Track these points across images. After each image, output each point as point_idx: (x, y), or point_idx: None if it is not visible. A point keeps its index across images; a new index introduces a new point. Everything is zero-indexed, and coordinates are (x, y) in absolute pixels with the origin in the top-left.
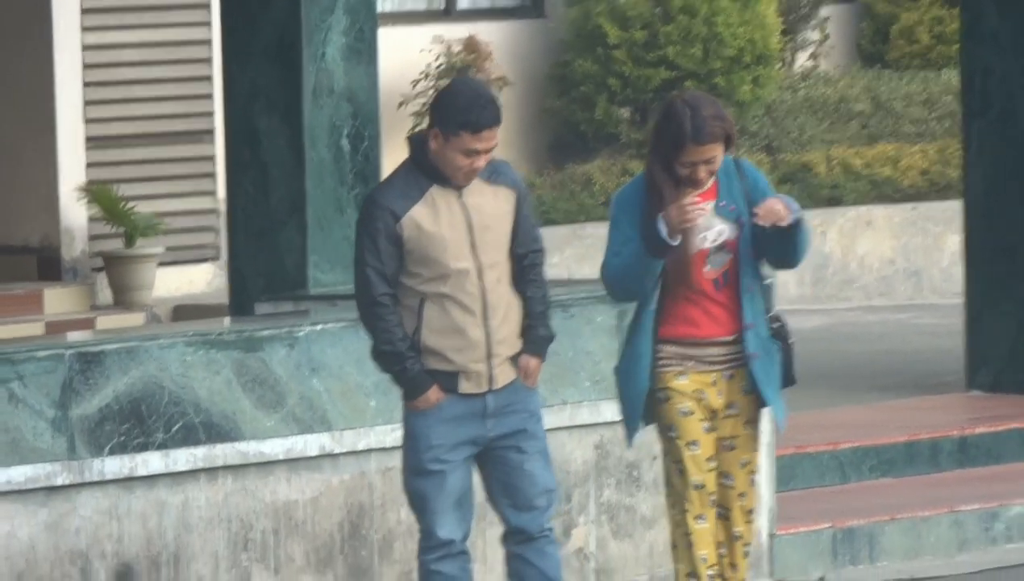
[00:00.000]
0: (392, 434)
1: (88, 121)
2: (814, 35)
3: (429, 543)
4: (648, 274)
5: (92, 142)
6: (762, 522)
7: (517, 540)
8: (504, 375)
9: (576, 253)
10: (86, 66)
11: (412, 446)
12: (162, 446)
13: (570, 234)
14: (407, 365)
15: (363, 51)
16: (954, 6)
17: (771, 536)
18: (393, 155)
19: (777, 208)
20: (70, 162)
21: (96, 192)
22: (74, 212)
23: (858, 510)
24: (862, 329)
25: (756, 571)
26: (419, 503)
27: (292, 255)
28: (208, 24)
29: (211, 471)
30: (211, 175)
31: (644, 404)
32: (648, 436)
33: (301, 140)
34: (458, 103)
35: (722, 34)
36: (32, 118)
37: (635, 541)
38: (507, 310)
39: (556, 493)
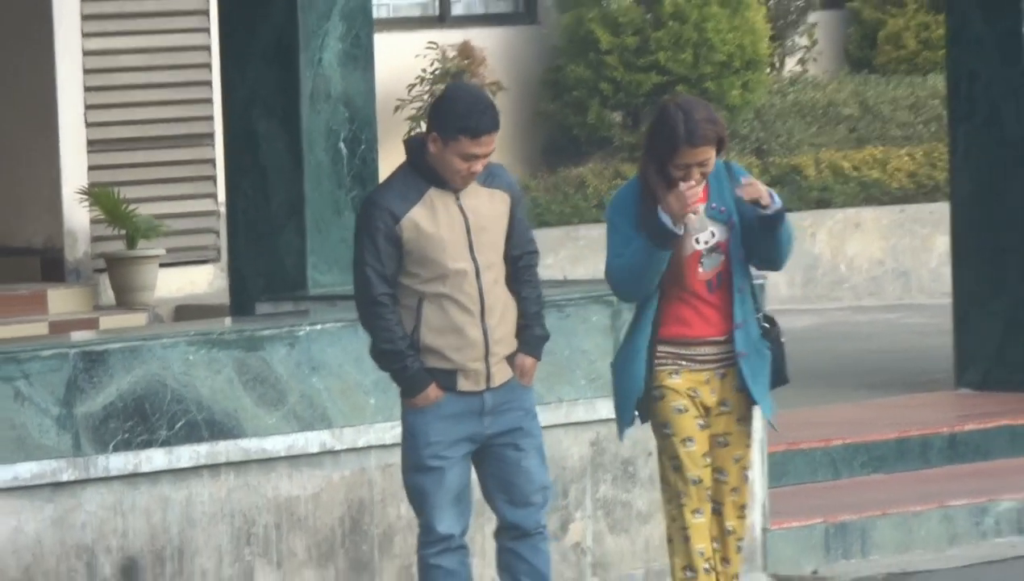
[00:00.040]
0: (391, 431)
1: (90, 125)
2: (802, 41)
3: (429, 538)
4: (656, 269)
5: (94, 145)
6: (755, 517)
7: (512, 536)
8: (501, 373)
9: (570, 254)
10: (87, 71)
11: (411, 443)
12: (165, 443)
13: (564, 236)
14: (407, 363)
15: (359, 56)
16: (940, 12)
17: (764, 531)
18: (389, 158)
19: (760, 186)
20: (72, 165)
21: (98, 195)
22: (77, 214)
23: (850, 505)
24: (852, 329)
25: (750, 565)
26: (419, 499)
27: (291, 256)
28: (207, 30)
29: (214, 467)
30: (211, 178)
31: (639, 401)
32: (643, 433)
33: (299, 144)
34: (458, 108)
35: (712, 40)
36: (35, 122)
37: (631, 536)
38: (504, 310)
39: (551, 490)
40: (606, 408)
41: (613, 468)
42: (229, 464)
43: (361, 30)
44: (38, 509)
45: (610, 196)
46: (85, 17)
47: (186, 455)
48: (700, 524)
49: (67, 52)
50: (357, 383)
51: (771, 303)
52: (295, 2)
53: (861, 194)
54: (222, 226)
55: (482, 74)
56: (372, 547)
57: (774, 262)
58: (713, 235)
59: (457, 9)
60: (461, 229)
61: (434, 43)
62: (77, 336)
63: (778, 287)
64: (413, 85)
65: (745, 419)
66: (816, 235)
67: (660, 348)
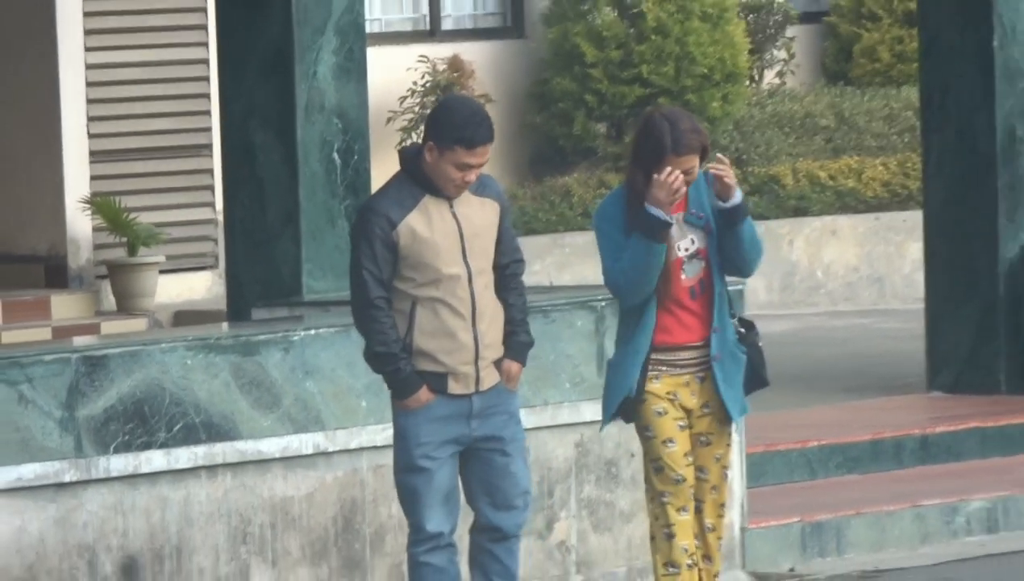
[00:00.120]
0: (383, 433)
1: (92, 136)
2: (781, 54)
3: (418, 536)
4: (655, 264)
5: (96, 156)
6: (734, 516)
7: (491, 537)
8: (489, 377)
9: (556, 261)
10: (90, 84)
11: (402, 445)
12: (164, 445)
13: (550, 243)
14: (400, 366)
15: (353, 70)
16: (914, 26)
17: (743, 530)
18: (382, 168)
19: (731, 170)
20: (75, 175)
21: (100, 204)
22: (79, 223)
23: (826, 505)
24: (828, 333)
25: (729, 563)
26: (409, 498)
27: (287, 264)
28: (206, 44)
29: (211, 468)
30: (209, 188)
31: (627, 400)
32: (625, 435)
33: (294, 155)
34: (454, 119)
35: (693, 53)
36: (39, 134)
37: (614, 534)
38: (493, 315)
39: (531, 494)
40: (590, 411)
41: (597, 469)
42: (226, 465)
43: (354, 44)
44: (41, 509)
45: (595, 205)
46: (88, 31)
47: (184, 456)
48: (684, 521)
49: (70, 65)
50: (350, 387)
51: (750, 308)
52: (291, 17)
53: (837, 203)
54: (220, 234)
55: (471, 87)
56: (364, 546)
57: (740, 266)
58: (693, 242)
59: (447, 24)
60: (455, 235)
61: (425, 57)
62: (79, 341)
63: (756, 293)
64: (404, 97)
65: (726, 420)
66: (794, 242)
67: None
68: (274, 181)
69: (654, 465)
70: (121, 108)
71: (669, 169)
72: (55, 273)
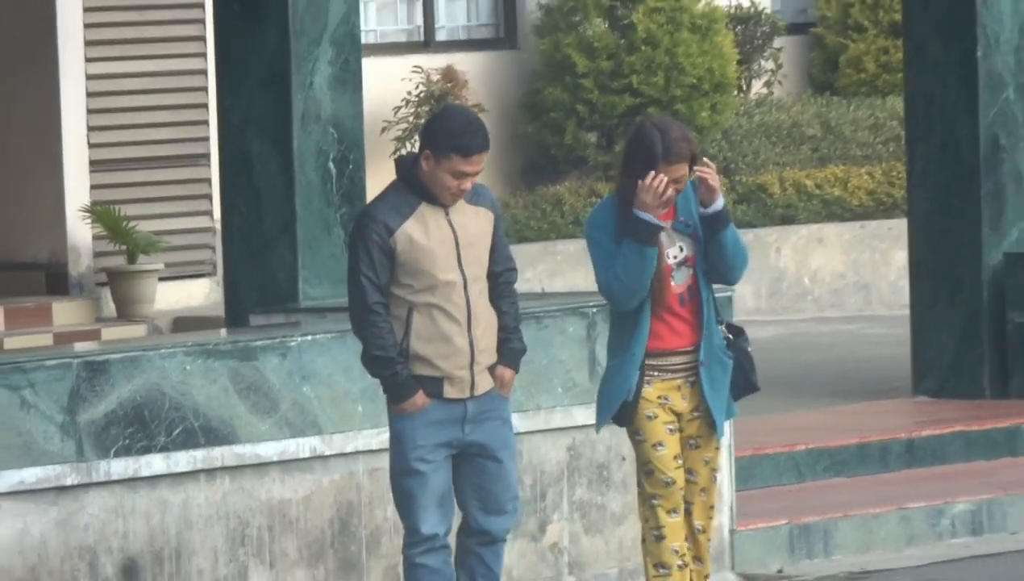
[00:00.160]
0: (378, 437)
1: (92, 146)
2: (768, 65)
3: (414, 538)
4: (648, 268)
5: (96, 165)
6: (723, 519)
7: (480, 541)
8: (483, 383)
9: (548, 268)
10: (90, 94)
11: (398, 448)
12: (164, 449)
13: (542, 251)
14: (397, 370)
15: (348, 80)
16: (899, 37)
17: (732, 532)
18: (377, 177)
19: (715, 175)
20: (76, 184)
21: (100, 212)
22: (80, 231)
23: (813, 507)
24: (815, 339)
25: (718, 565)
26: (405, 500)
27: (283, 271)
28: (204, 56)
29: (210, 472)
30: (208, 196)
31: (625, 404)
32: (616, 439)
33: (291, 164)
34: (451, 128)
35: (683, 64)
36: (40, 143)
37: (605, 537)
38: (487, 321)
39: (519, 499)
40: (582, 415)
41: (588, 472)
42: (224, 469)
43: (350, 55)
44: (43, 512)
45: (586, 213)
46: (88, 43)
47: (183, 460)
48: (675, 523)
49: (71, 76)
50: (346, 391)
51: (738, 314)
52: (287, 29)
53: (823, 211)
54: (218, 242)
55: (464, 97)
56: (360, 548)
57: (724, 274)
58: (682, 250)
59: (441, 35)
60: (450, 243)
61: (419, 67)
62: (80, 347)
63: (745, 299)
64: (399, 107)
65: (714, 424)
66: (781, 250)
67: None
68: (271, 190)
69: (644, 468)
70: (121, 118)
71: (654, 173)
72: (56, 280)
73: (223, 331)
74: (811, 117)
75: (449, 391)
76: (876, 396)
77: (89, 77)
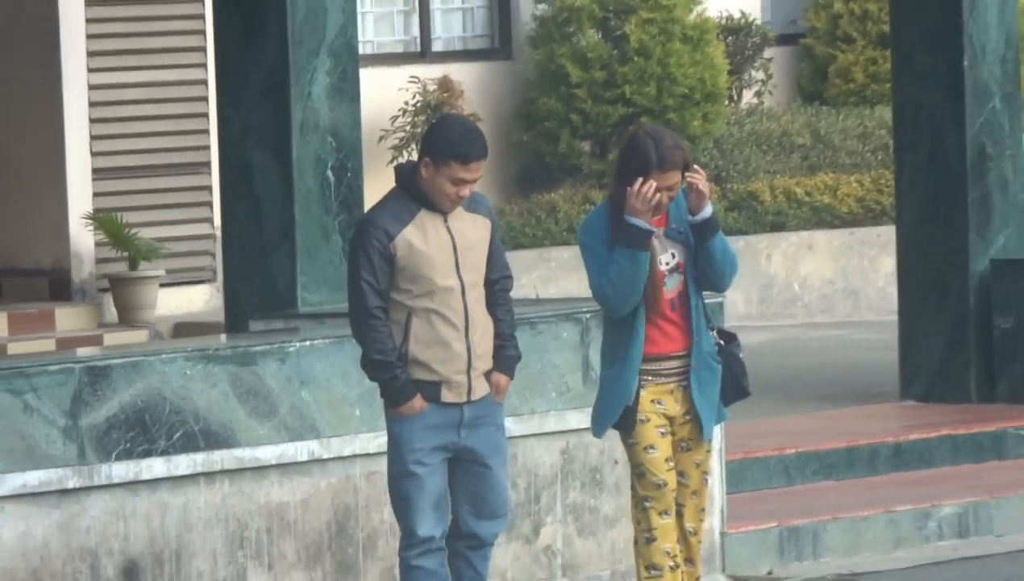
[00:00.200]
0: (375, 441)
1: (95, 154)
2: (759, 75)
3: (410, 541)
4: (641, 273)
5: (99, 173)
6: (714, 521)
7: (469, 544)
8: (480, 388)
9: (542, 275)
10: (93, 104)
11: (396, 451)
12: (164, 452)
13: (537, 257)
14: (396, 373)
15: (346, 90)
16: (887, 48)
17: (723, 534)
18: (374, 185)
19: (704, 182)
20: (78, 192)
21: (102, 219)
22: (82, 238)
23: (802, 510)
24: (805, 344)
25: (709, 566)
26: (402, 503)
27: (283, 277)
28: (204, 66)
29: (209, 475)
30: (208, 204)
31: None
32: (609, 443)
33: (290, 172)
34: (450, 136)
35: (674, 74)
36: (44, 152)
37: (598, 539)
38: (485, 327)
39: (508, 504)
40: (575, 419)
41: (582, 475)
42: (224, 472)
43: (348, 65)
44: (45, 514)
45: (579, 220)
46: (91, 53)
47: (184, 464)
48: (667, 524)
49: (74, 86)
50: (343, 396)
51: (729, 320)
52: (286, 40)
53: (813, 218)
54: (218, 249)
55: (460, 106)
56: (357, 550)
57: (714, 281)
58: (673, 257)
59: (437, 46)
60: (449, 249)
61: (416, 77)
62: (82, 352)
63: (736, 305)
64: (396, 117)
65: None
66: (771, 256)
67: None
68: (270, 198)
69: (637, 471)
70: (123, 127)
71: (641, 180)
72: (59, 286)
73: (223, 336)
74: (801, 126)
75: (447, 395)
76: (864, 400)
77: (92, 87)
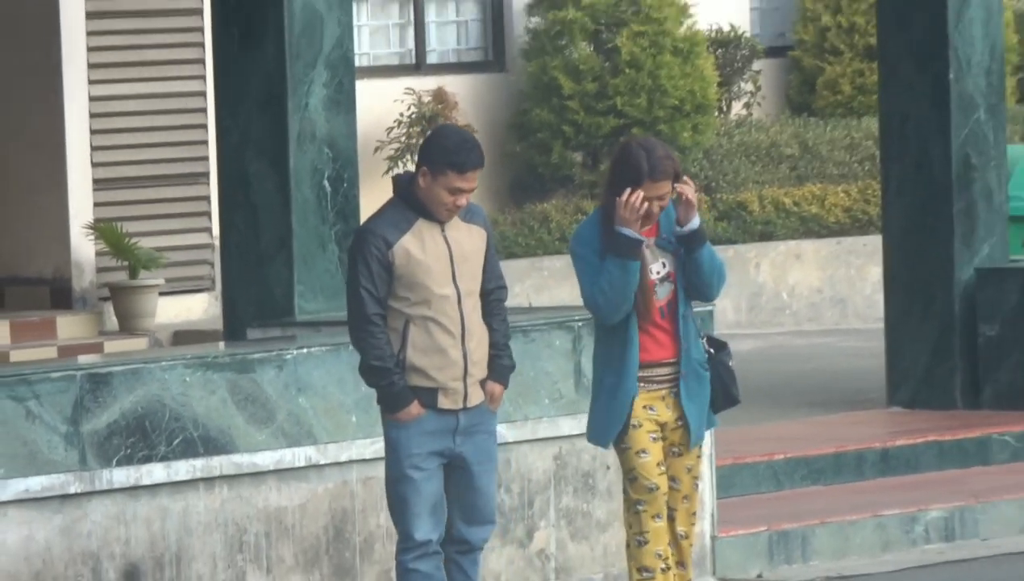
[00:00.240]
0: (372, 447)
1: (95, 165)
2: (748, 86)
3: (407, 544)
4: (631, 281)
5: (99, 184)
6: (705, 525)
7: (459, 549)
8: (475, 395)
9: (535, 283)
10: (93, 115)
11: (393, 456)
12: (164, 458)
13: (529, 266)
14: (394, 380)
15: (342, 102)
16: (874, 60)
17: (713, 538)
18: (370, 195)
19: (693, 193)
20: (79, 202)
21: (103, 229)
22: (83, 247)
23: (791, 515)
24: (793, 351)
25: (700, 570)
26: (399, 507)
27: (280, 286)
28: (203, 77)
29: (209, 480)
30: (207, 214)
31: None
32: (601, 449)
33: (287, 182)
34: (447, 145)
35: (665, 86)
36: (45, 162)
37: (591, 543)
38: (480, 335)
39: (497, 510)
40: (568, 425)
41: (574, 481)
42: (223, 477)
43: (344, 77)
44: (47, 519)
45: (571, 230)
46: (91, 66)
47: (183, 469)
48: (659, 528)
49: (75, 97)
50: (340, 403)
51: (719, 328)
52: (284, 52)
53: (801, 228)
54: (217, 258)
55: (454, 118)
56: (354, 554)
57: (702, 290)
58: (664, 266)
59: (432, 58)
60: (445, 258)
61: (411, 89)
62: (83, 359)
63: (725, 313)
64: (391, 128)
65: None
66: (760, 265)
67: None
68: (268, 208)
69: (629, 475)
70: (123, 139)
71: (630, 190)
72: (60, 295)
73: (221, 344)
74: (789, 137)
75: (443, 402)
76: (852, 407)
77: (92, 99)
